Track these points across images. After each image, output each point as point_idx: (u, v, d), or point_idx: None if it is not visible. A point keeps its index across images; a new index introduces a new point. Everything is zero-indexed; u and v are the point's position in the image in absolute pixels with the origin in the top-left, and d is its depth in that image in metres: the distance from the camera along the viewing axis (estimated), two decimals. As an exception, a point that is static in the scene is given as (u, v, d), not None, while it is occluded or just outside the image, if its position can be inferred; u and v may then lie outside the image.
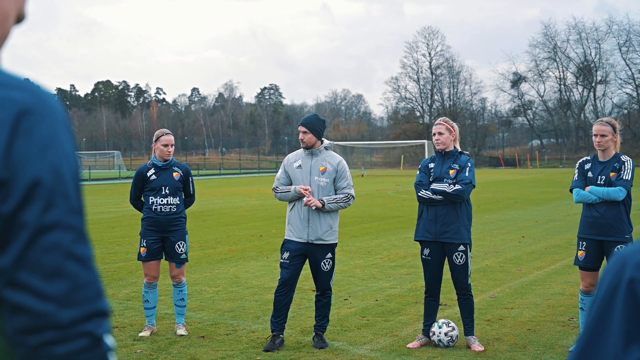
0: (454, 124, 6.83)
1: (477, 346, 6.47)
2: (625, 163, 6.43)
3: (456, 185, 6.53)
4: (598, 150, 6.53)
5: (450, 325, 6.58)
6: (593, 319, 1.14)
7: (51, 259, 1.11)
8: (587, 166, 6.61)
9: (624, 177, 6.38)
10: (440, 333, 6.54)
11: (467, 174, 6.57)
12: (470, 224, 6.71)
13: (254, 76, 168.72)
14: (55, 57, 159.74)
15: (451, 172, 6.61)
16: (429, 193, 6.59)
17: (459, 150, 6.76)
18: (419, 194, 6.66)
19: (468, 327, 6.63)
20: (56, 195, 1.13)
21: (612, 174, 6.43)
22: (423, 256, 6.74)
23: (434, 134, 6.76)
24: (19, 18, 1.29)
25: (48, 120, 1.14)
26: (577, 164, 6.75)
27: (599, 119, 6.57)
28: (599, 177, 6.46)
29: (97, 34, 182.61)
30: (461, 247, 6.60)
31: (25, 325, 1.10)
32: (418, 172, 6.83)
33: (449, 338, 6.53)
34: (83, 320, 1.12)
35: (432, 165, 6.75)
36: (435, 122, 6.85)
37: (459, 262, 6.61)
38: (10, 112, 1.11)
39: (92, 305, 1.14)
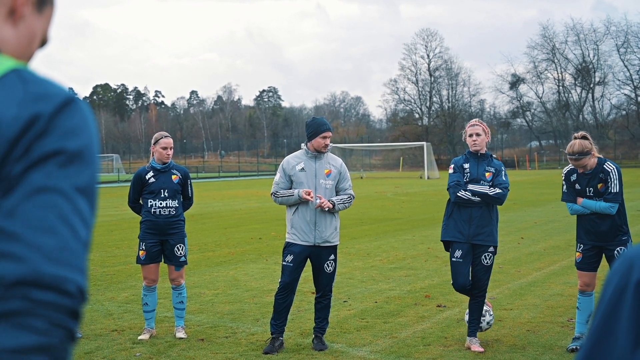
0: (486, 125, 6.83)
1: (477, 347, 6.47)
2: (611, 173, 6.39)
3: (496, 188, 6.54)
4: None
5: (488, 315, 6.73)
6: (599, 322, 1.13)
7: (46, 216, 1.14)
8: (573, 177, 6.58)
9: (612, 191, 6.35)
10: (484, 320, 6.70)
11: (504, 178, 6.61)
12: (498, 226, 6.75)
13: (251, 79, 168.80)
14: (50, 60, 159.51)
15: (487, 174, 6.60)
16: (469, 194, 6.53)
17: (490, 152, 6.77)
18: (459, 194, 6.55)
19: (473, 328, 6.62)
20: (67, 169, 1.17)
21: (599, 185, 6.41)
22: (454, 258, 6.61)
23: (471, 135, 6.67)
24: (43, 41, 1.38)
25: (82, 112, 1.23)
26: (563, 175, 6.71)
27: (571, 153, 6.33)
28: (587, 189, 6.47)
29: (91, 36, 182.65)
30: (491, 249, 6.62)
31: (6, 270, 1.12)
32: (451, 172, 6.72)
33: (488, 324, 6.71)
34: (65, 279, 1.13)
35: (466, 165, 6.68)
36: (470, 123, 6.78)
37: (486, 262, 6.62)
38: (52, 104, 1.20)
39: (74, 272, 1.15)
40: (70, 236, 1.15)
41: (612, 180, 6.37)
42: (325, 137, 6.73)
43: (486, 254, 6.61)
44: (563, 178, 6.72)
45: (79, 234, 1.17)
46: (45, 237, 1.13)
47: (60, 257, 1.14)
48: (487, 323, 6.73)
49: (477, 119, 6.84)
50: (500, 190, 6.53)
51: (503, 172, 6.65)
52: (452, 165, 6.77)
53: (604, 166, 6.43)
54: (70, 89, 1.26)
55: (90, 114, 1.25)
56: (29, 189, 1.15)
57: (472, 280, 6.69)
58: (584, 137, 6.44)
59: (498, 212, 6.73)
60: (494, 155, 6.80)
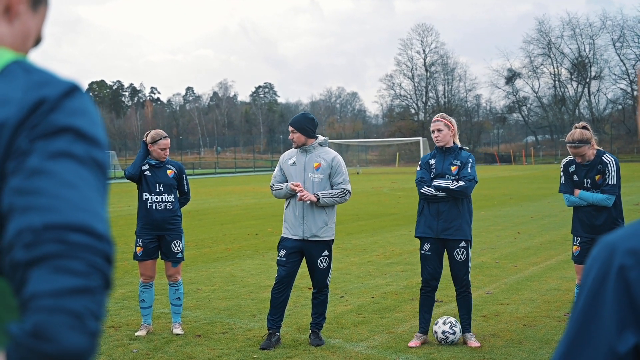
0: (452, 119, 6.77)
1: (474, 342, 6.48)
2: (609, 165, 6.41)
3: (459, 181, 6.51)
4: None
5: (453, 328, 6.52)
6: (582, 309, 1.12)
7: (65, 174, 1.16)
8: (572, 169, 6.60)
9: (610, 182, 6.36)
10: (439, 328, 6.52)
11: (469, 170, 6.54)
12: (472, 220, 6.69)
13: (246, 75, 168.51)
14: (44, 57, 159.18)
15: (453, 168, 6.56)
16: (432, 190, 6.53)
17: (459, 145, 6.73)
18: (421, 190, 6.59)
19: (465, 324, 6.63)
20: (79, 142, 1.19)
21: (597, 177, 6.43)
22: (422, 251, 6.67)
23: (433, 132, 6.69)
24: (37, 40, 1.41)
25: (86, 99, 1.26)
26: (562, 166, 6.74)
27: (571, 140, 6.41)
28: (585, 180, 6.48)
29: (84, 33, 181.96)
30: (462, 244, 6.58)
31: (35, 220, 1.12)
32: (418, 169, 6.75)
33: (444, 337, 6.50)
34: (94, 225, 1.14)
35: (432, 161, 6.68)
36: (433, 119, 6.78)
37: (460, 258, 6.59)
38: (58, 89, 1.23)
39: (101, 221, 1.15)
40: (90, 193, 1.17)
41: (610, 172, 6.38)
42: (290, 132, 6.85)
43: (458, 249, 6.57)
44: (561, 169, 6.73)
45: (96, 194, 1.18)
46: (68, 190, 1.14)
47: (86, 207, 1.15)
48: (445, 336, 6.52)
49: (440, 114, 6.80)
50: (463, 183, 6.48)
51: (469, 165, 6.59)
52: (420, 162, 6.81)
53: (602, 158, 6.45)
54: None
55: (92, 103, 1.27)
56: (45, 154, 1.16)
57: (452, 277, 6.71)
58: (584, 127, 6.50)
59: (470, 206, 6.65)
60: (464, 148, 6.77)
